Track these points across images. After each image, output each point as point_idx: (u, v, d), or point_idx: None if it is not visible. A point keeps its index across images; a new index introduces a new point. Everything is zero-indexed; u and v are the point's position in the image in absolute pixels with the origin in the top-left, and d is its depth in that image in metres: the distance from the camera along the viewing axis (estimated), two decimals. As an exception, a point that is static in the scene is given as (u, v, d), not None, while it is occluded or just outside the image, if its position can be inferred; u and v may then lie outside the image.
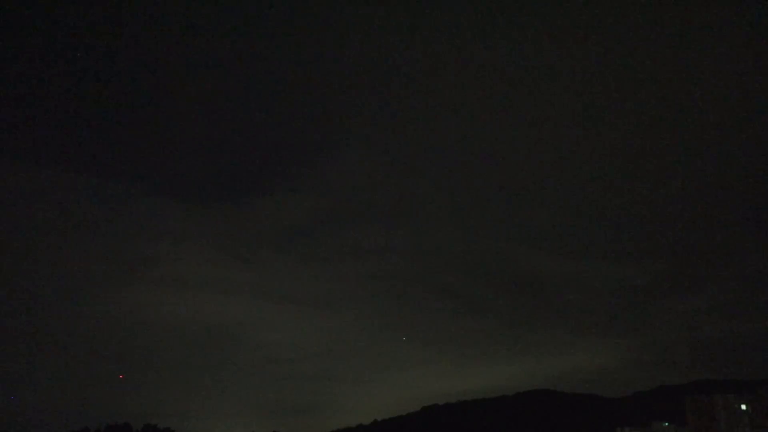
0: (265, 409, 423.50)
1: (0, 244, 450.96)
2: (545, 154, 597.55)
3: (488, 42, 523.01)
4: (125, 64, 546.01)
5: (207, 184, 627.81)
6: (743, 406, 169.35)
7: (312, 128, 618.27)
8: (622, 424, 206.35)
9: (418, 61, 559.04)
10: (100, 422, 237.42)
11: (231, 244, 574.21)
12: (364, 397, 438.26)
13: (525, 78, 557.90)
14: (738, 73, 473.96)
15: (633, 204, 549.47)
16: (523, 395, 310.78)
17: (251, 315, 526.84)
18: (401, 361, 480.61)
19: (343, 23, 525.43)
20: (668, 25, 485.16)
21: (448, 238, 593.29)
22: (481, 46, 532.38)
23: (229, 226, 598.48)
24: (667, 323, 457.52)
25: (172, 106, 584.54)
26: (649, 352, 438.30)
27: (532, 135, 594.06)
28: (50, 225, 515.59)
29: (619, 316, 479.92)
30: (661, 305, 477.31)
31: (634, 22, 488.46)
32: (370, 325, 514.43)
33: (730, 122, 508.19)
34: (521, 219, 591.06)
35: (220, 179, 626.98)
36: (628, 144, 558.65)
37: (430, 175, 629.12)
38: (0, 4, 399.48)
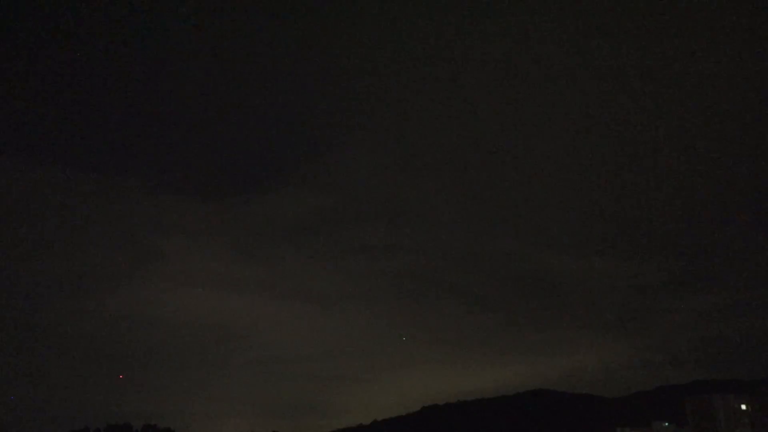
0: (265, 409, 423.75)
1: (0, 242, 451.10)
2: (554, 151, 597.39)
3: (495, 41, 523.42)
4: (131, 61, 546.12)
5: (212, 180, 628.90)
6: (743, 406, 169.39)
7: (318, 125, 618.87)
8: (622, 424, 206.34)
9: (426, 59, 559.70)
10: (100, 422, 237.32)
11: (236, 241, 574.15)
12: (364, 397, 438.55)
13: (533, 76, 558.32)
14: (744, 72, 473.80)
15: (642, 202, 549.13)
16: (523, 395, 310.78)
17: (254, 313, 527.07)
18: (401, 361, 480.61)
19: (350, 19, 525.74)
20: (673, 24, 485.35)
21: (455, 235, 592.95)
22: (488, 45, 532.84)
23: (234, 222, 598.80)
24: (675, 322, 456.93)
25: (178, 102, 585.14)
26: (654, 352, 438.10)
27: (541, 132, 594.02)
28: (52, 223, 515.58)
29: (627, 315, 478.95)
30: (670, 304, 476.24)
31: (640, 21, 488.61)
32: (371, 324, 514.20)
33: (744, 119, 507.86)
34: (529, 216, 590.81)
35: (226, 175, 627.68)
36: (638, 142, 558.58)
37: (437, 173, 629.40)
38: (0, 4, 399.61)
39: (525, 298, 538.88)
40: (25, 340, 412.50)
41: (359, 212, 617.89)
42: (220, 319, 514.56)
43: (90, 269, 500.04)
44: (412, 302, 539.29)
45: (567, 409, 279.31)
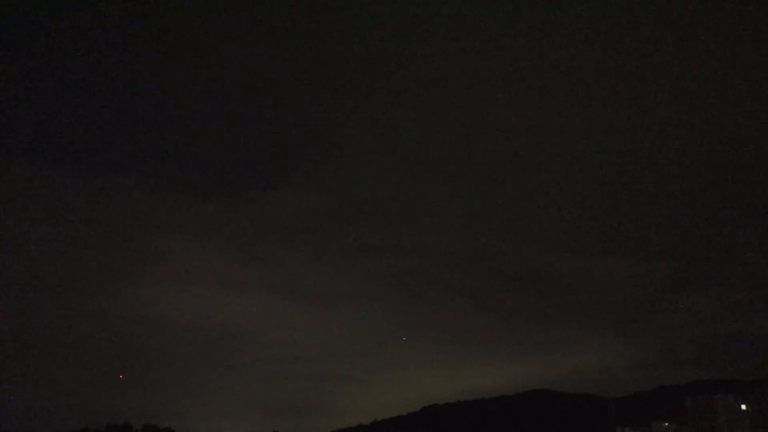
0: (265, 409, 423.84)
1: (0, 242, 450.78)
2: (556, 151, 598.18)
3: (497, 43, 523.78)
4: (131, 61, 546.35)
5: (212, 180, 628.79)
6: (743, 406, 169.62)
7: (319, 125, 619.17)
8: (622, 424, 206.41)
9: (428, 59, 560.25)
10: (100, 422, 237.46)
11: (236, 241, 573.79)
12: (364, 397, 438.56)
13: (534, 77, 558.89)
14: (744, 72, 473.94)
15: (644, 202, 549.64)
16: (523, 395, 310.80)
17: (255, 313, 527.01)
18: (401, 361, 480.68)
19: (351, 20, 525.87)
20: (675, 27, 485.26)
21: (456, 235, 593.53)
22: (489, 46, 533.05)
23: (234, 222, 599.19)
24: (675, 322, 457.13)
25: (179, 102, 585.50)
26: (654, 352, 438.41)
27: (543, 133, 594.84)
28: (52, 223, 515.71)
29: (627, 315, 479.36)
30: (670, 304, 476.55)
31: (640, 21, 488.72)
32: (371, 324, 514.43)
33: (744, 119, 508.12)
34: (529, 216, 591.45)
35: (228, 175, 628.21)
36: (639, 142, 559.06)
37: (438, 173, 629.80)
38: (0, 4, 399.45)
39: (525, 298, 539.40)
40: (25, 340, 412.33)
41: (359, 212, 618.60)
42: (220, 319, 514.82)
43: (90, 269, 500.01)
44: (413, 302, 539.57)
45: (567, 409, 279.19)
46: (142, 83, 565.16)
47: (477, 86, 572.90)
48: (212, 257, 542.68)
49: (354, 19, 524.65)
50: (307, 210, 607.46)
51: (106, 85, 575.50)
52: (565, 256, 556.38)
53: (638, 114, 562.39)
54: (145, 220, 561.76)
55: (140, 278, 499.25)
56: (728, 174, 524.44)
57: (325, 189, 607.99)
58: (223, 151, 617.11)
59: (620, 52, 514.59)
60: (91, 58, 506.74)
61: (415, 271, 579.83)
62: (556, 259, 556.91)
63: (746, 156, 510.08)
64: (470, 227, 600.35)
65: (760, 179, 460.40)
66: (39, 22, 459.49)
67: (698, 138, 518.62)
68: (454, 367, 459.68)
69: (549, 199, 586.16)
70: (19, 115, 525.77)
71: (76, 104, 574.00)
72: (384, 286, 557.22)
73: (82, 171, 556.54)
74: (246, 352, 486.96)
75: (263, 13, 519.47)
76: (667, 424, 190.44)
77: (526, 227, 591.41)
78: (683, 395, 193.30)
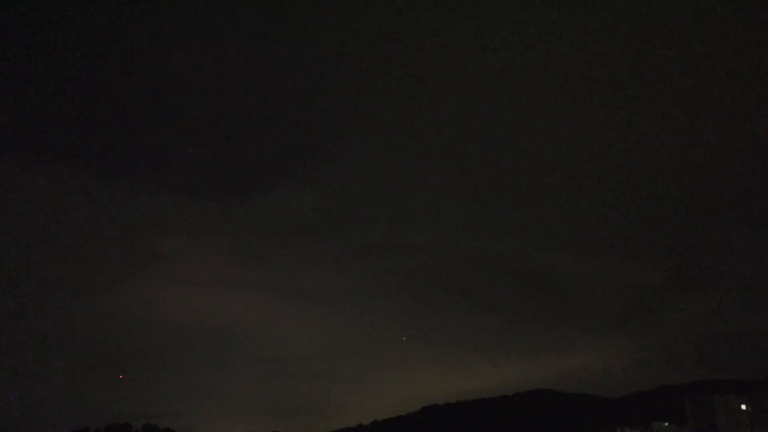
0: (265, 409, 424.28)
1: (1, 242, 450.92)
2: (558, 152, 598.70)
3: (497, 43, 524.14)
4: (132, 62, 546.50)
5: (212, 180, 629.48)
6: (743, 406, 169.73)
7: (319, 125, 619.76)
8: (622, 424, 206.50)
9: (428, 59, 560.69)
10: (100, 422, 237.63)
11: (236, 241, 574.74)
12: (364, 397, 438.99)
13: (535, 78, 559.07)
14: (744, 72, 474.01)
15: (643, 203, 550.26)
16: (523, 395, 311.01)
17: (255, 313, 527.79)
18: (401, 361, 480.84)
19: (351, 21, 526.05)
20: (674, 26, 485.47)
21: (457, 236, 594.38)
22: (489, 46, 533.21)
23: (234, 222, 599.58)
24: (675, 322, 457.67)
25: (180, 102, 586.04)
26: (654, 352, 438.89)
27: (546, 134, 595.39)
28: (53, 223, 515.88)
29: (630, 315, 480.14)
30: (670, 304, 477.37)
31: (637, 21, 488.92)
32: (372, 324, 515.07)
33: (744, 119, 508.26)
34: (533, 217, 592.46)
35: (226, 175, 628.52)
36: (640, 144, 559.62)
37: (439, 173, 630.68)
38: (1, 4, 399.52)
39: (526, 298, 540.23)
40: (25, 340, 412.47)
41: (360, 212, 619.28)
42: (220, 319, 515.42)
43: (90, 269, 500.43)
44: (413, 302, 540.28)
45: (567, 409, 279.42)
46: (143, 83, 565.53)
47: (477, 86, 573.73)
48: (212, 257, 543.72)
49: (354, 20, 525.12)
50: (307, 210, 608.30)
51: (107, 85, 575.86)
52: (565, 256, 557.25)
53: (638, 115, 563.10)
54: (145, 220, 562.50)
55: (140, 278, 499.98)
56: (727, 175, 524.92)
57: (325, 189, 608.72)
58: (223, 151, 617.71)
59: (620, 53, 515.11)
60: (91, 58, 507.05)
61: (415, 271, 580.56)
62: (556, 259, 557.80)
63: (745, 157, 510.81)
64: (470, 227, 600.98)
65: (759, 180, 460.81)
66: (39, 22, 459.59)
67: (698, 139, 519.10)
68: (454, 367, 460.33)
69: (549, 199, 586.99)
70: (19, 115, 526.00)
71: (76, 104, 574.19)
72: (384, 286, 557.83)
73: (82, 171, 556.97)
74: (246, 352, 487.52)
75: (263, 13, 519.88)
76: (667, 424, 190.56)
77: (526, 227, 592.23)
78: (683, 395, 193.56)
